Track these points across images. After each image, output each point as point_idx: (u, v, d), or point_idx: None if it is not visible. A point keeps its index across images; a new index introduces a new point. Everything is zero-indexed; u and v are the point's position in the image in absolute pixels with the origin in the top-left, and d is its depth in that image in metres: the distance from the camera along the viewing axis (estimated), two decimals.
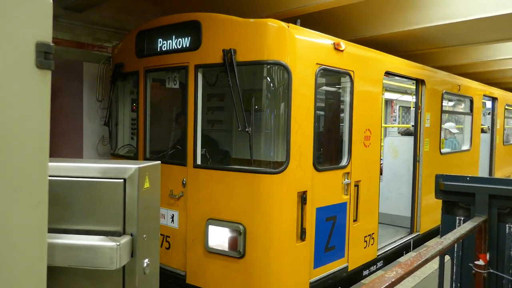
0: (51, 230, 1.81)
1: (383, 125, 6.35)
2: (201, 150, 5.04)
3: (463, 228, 3.15)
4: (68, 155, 6.36)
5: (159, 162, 2.07)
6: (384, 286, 2.06)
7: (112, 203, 1.83)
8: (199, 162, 4.93)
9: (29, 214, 1.24)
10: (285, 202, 4.49)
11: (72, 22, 6.37)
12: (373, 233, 5.90)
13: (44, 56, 1.25)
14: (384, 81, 6.22)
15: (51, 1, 1.26)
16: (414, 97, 7.26)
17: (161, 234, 5.24)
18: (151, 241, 1.96)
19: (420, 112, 7.18)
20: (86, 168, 1.89)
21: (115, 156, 6.13)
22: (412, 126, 7.55)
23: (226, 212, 4.65)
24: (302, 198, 4.61)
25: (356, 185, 5.48)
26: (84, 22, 6.52)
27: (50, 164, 1.91)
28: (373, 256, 5.97)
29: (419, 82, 7.20)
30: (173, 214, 5.13)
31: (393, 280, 2.16)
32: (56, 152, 6.29)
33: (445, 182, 3.69)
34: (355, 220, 5.50)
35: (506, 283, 3.48)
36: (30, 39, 1.22)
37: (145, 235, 1.90)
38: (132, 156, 5.90)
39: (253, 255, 4.48)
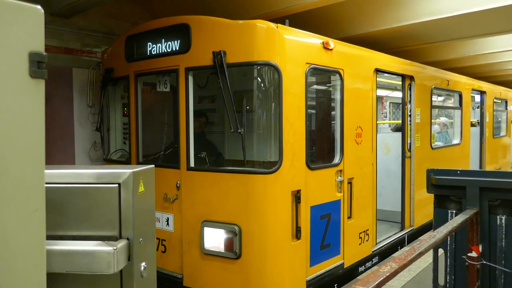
0: (47, 237, 1.80)
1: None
2: (201, 154, 5.06)
3: (455, 221, 3.20)
4: (60, 161, 6.33)
5: (153, 166, 2.09)
6: (379, 281, 2.09)
7: (108, 208, 1.84)
8: (192, 164, 4.94)
9: (27, 221, 1.25)
10: (279, 201, 4.52)
11: (60, 28, 6.34)
12: (367, 229, 5.95)
13: (37, 65, 1.26)
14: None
15: (43, 11, 1.27)
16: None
17: (156, 238, 5.23)
18: (147, 244, 1.97)
19: (407, 108, 7.22)
20: (80, 174, 1.89)
21: (108, 161, 6.12)
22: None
23: (221, 213, 4.66)
24: (296, 197, 4.64)
25: (349, 182, 5.52)
26: (72, 28, 6.49)
27: (45, 171, 1.92)
28: (368, 252, 6.02)
29: (408, 78, 7.27)
30: (168, 217, 5.14)
31: (387, 274, 2.19)
32: (48, 158, 6.21)
33: (436, 176, 3.74)
34: (349, 217, 5.55)
35: (499, 273, 3.53)
36: (23, 49, 1.23)
37: (141, 239, 1.91)
38: (125, 160, 5.89)
39: (249, 255, 4.50)
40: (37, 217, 1.28)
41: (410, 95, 7.31)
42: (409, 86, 7.25)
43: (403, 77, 7.09)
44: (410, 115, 7.19)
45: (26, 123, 1.25)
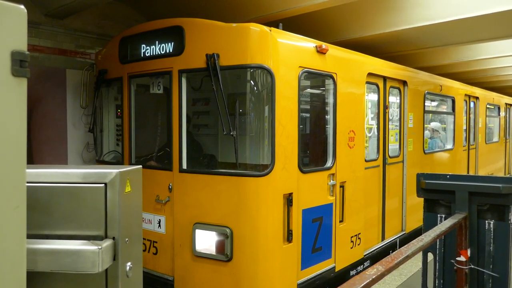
0: (33, 236, 1.82)
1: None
2: (194, 155, 5.07)
3: (443, 225, 3.22)
4: (52, 162, 6.31)
5: (140, 166, 2.09)
6: (365, 283, 2.10)
7: (94, 208, 1.84)
8: (184, 166, 4.94)
9: (7, 219, 1.25)
10: (271, 204, 4.52)
11: (54, 29, 6.34)
12: (359, 233, 5.97)
13: (19, 64, 1.27)
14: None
15: (26, 10, 1.28)
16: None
17: (148, 240, 5.23)
18: (133, 244, 1.98)
19: (388, 112, 7.11)
20: (67, 173, 1.90)
21: (100, 162, 6.10)
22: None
23: (213, 215, 4.66)
24: (288, 200, 4.65)
25: (342, 186, 5.54)
26: (66, 29, 6.49)
27: (31, 170, 1.92)
28: (360, 256, 6.03)
29: (402, 83, 7.31)
30: (160, 219, 5.13)
31: (373, 277, 2.20)
32: (40, 159, 6.24)
33: (426, 181, 3.76)
34: (341, 221, 5.56)
35: (487, 278, 3.55)
36: (5, 48, 1.24)
37: (127, 239, 1.91)
38: (117, 162, 5.88)
39: (240, 258, 4.50)
40: (17, 214, 1.29)
41: (403, 100, 7.34)
42: (395, 91, 7.24)
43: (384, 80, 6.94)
44: (391, 120, 7.12)
45: (8, 122, 1.26)
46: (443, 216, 3.74)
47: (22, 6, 1.27)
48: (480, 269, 3.55)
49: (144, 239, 5.24)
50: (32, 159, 6.17)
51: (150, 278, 5.13)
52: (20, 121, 1.28)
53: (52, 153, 6.38)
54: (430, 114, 9.52)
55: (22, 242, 1.31)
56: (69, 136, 6.59)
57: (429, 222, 3.80)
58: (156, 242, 5.18)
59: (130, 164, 5.58)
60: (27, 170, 1.88)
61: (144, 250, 5.26)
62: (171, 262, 5.02)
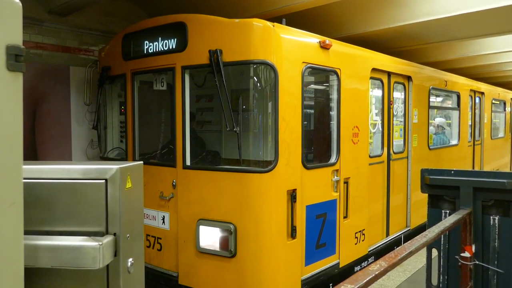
0: (34, 232, 1.82)
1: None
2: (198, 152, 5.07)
3: (448, 220, 3.19)
4: (56, 159, 6.33)
5: (141, 162, 2.09)
6: (367, 279, 2.09)
7: (94, 204, 1.84)
8: (188, 163, 4.94)
9: (3, 215, 1.25)
10: (275, 200, 4.52)
11: (57, 26, 6.35)
12: (363, 229, 5.95)
13: (15, 58, 1.26)
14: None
15: (20, 4, 1.28)
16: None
17: (152, 236, 5.25)
18: (135, 240, 1.97)
19: (392, 107, 7.08)
20: (68, 169, 1.90)
21: (104, 159, 6.12)
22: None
23: (217, 212, 4.66)
24: (292, 196, 4.64)
25: (346, 182, 5.52)
26: (70, 26, 6.50)
27: (32, 167, 1.92)
28: (364, 252, 6.01)
29: (406, 78, 7.27)
30: (164, 216, 5.14)
31: (376, 273, 2.19)
32: (44, 157, 6.27)
33: (430, 176, 3.73)
34: (345, 217, 5.54)
35: (492, 274, 3.53)
36: (0, 42, 1.23)
37: (128, 235, 1.91)
38: (121, 159, 5.89)
39: (244, 254, 4.50)
40: (14, 210, 1.28)
41: (408, 95, 7.30)
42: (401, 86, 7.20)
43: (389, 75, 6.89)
44: (395, 115, 7.07)
45: (3, 117, 1.25)
46: (448, 211, 3.72)
47: (17, 0, 1.26)
48: (485, 265, 3.52)
49: (148, 235, 5.25)
50: (37, 157, 6.20)
51: (155, 274, 5.15)
52: (16, 116, 1.27)
53: (56, 151, 6.40)
54: (435, 110, 9.46)
55: (19, 238, 1.30)
56: (73, 133, 6.61)
57: (433, 218, 3.77)
58: (160, 238, 5.19)
59: (134, 160, 5.58)
60: (28, 167, 1.88)
61: (148, 247, 5.27)
62: (175, 258, 5.03)
